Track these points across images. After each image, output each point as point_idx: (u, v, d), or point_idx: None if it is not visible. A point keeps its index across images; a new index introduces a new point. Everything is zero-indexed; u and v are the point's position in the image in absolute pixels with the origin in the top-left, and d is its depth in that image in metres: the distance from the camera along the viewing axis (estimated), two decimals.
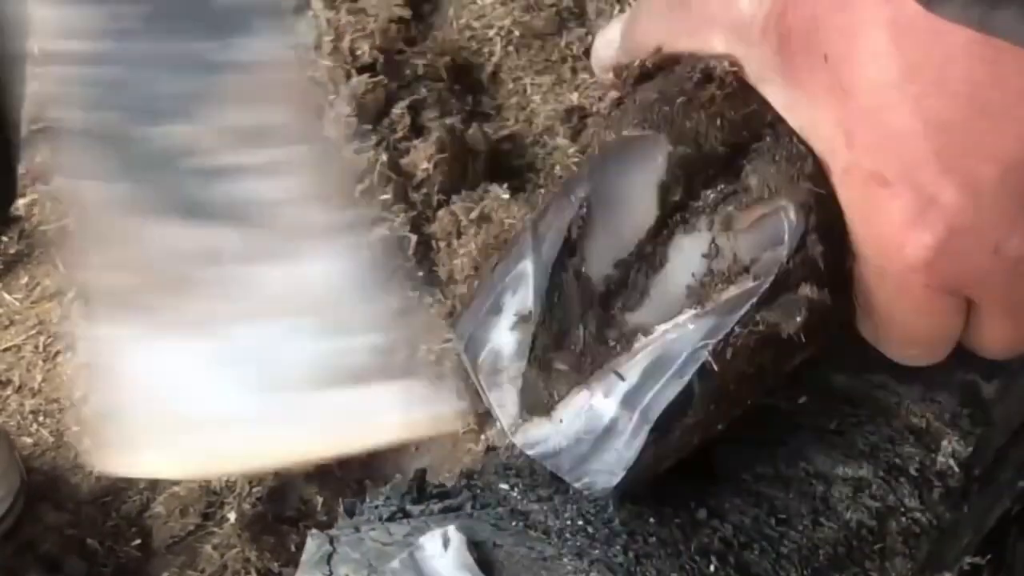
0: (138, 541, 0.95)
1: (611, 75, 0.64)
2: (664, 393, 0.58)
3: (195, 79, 0.59)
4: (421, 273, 1.03)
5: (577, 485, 0.60)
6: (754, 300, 0.58)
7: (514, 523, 0.62)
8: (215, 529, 0.95)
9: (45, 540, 0.93)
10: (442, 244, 1.04)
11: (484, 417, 0.97)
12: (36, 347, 1.04)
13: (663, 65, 0.62)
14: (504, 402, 0.61)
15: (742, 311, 0.58)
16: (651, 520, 0.62)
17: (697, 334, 0.58)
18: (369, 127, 1.05)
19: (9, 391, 1.03)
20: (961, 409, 0.69)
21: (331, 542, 0.61)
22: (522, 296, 0.60)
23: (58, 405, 1.01)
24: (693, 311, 0.59)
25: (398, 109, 1.06)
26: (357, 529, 0.62)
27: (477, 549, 0.59)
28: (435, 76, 1.09)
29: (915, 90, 0.53)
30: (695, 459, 0.62)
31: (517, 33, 1.13)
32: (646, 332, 0.59)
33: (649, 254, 0.60)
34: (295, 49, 0.60)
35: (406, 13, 1.11)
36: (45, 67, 0.60)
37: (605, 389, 0.59)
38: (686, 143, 0.59)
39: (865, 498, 0.65)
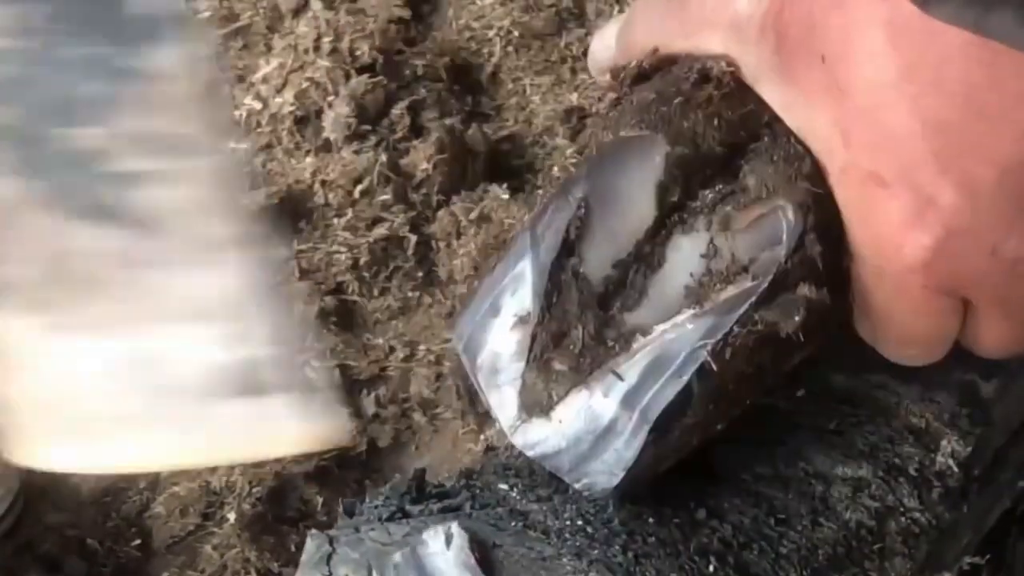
0: (138, 541, 0.95)
1: (608, 76, 0.64)
2: (663, 393, 0.58)
3: (105, 83, 0.60)
4: (421, 274, 1.03)
5: (577, 486, 0.60)
6: (752, 300, 0.58)
7: (513, 523, 0.62)
8: (215, 529, 0.95)
9: (45, 540, 0.93)
10: (442, 244, 1.04)
11: (483, 417, 0.97)
12: None
13: (660, 66, 0.62)
14: (503, 403, 0.61)
15: (741, 311, 0.58)
16: (650, 520, 0.62)
17: (696, 334, 0.58)
18: (368, 128, 1.05)
19: None
20: (960, 409, 0.69)
21: (330, 542, 0.61)
22: (521, 297, 0.60)
23: None
24: (692, 311, 0.59)
25: (397, 109, 1.06)
26: (356, 529, 0.62)
27: (477, 548, 0.59)
28: (434, 77, 1.09)
29: (912, 90, 0.53)
30: (694, 459, 0.62)
31: (516, 33, 1.13)
32: (645, 332, 0.59)
33: (647, 254, 0.60)
34: (201, 60, 0.61)
35: (405, 14, 1.11)
36: None
37: (604, 389, 0.59)
38: (684, 143, 0.59)
39: (864, 498, 0.65)
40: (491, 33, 1.13)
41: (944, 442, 0.68)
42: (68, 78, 0.60)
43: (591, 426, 0.59)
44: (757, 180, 0.59)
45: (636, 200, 0.60)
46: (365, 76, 1.06)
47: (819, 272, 0.58)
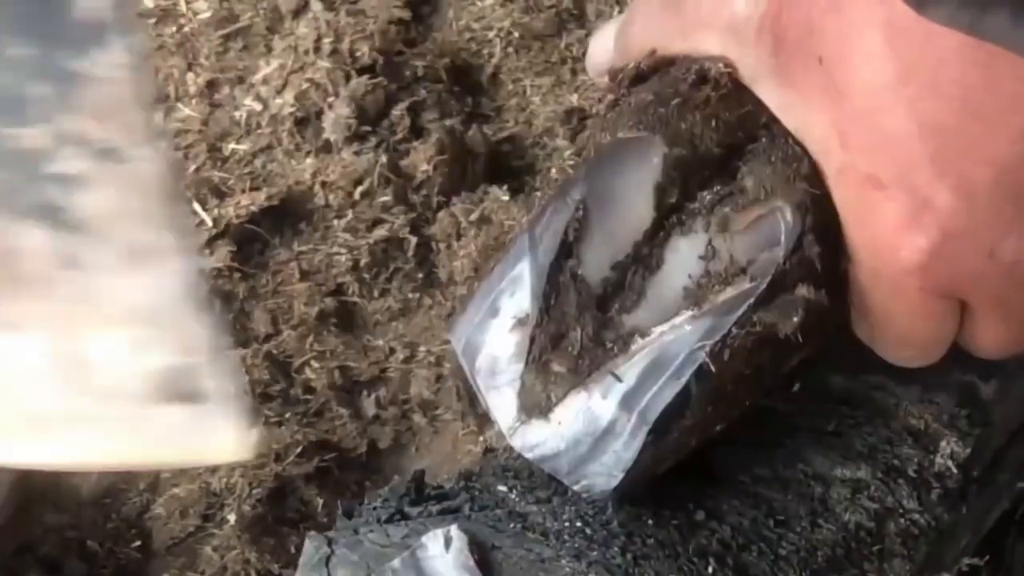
0: (138, 543, 0.95)
1: (606, 78, 0.64)
2: (662, 394, 0.58)
3: (51, 84, 0.60)
4: (421, 275, 1.03)
5: (576, 488, 0.60)
6: (751, 301, 0.58)
7: (512, 525, 0.62)
8: (215, 531, 0.95)
9: (45, 542, 0.93)
10: (442, 246, 1.04)
11: (483, 419, 0.97)
12: None
13: (658, 67, 0.62)
14: (502, 405, 0.61)
15: (739, 312, 0.58)
16: (649, 522, 0.62)
17: (694, 335, 0.58)
18: (369, 129, 1.05)
19: None
20: (959, 410, 0.69)
21: (329, 544, 0.61)
22: (519, 298, 0.60)
23: None
24: (690, 312, 0.59)
25: (398, 111, 1.06)
26: (355, 531, 0.62)
27: (477, 550, 0.59)
28: (435, 78, 1.09)
29: (909, 92, 0.53)
30: (693, 461, 0.62)
31: (517, 35, 1.13)
32: (643, 334, 0.59)
33: (646, 256, 0.60)
34: (141, 65, 0.61)
35: (405, 15, 1.11)
36: None
37: (603, 391, 0.59)
38: (681, 144, 0.59)
39: (863, 499, 0.65)
40: (491, 34, 1.13)
41: (943, 443, 0.68)
42: (15, 78, 0.60)
43: (590, 428, 0.59)
44: (755, 181, 0.59)
45: (634, 202, 0.60)
46: (365, 77, 1.06)
47: (817, 273, 0.58)
